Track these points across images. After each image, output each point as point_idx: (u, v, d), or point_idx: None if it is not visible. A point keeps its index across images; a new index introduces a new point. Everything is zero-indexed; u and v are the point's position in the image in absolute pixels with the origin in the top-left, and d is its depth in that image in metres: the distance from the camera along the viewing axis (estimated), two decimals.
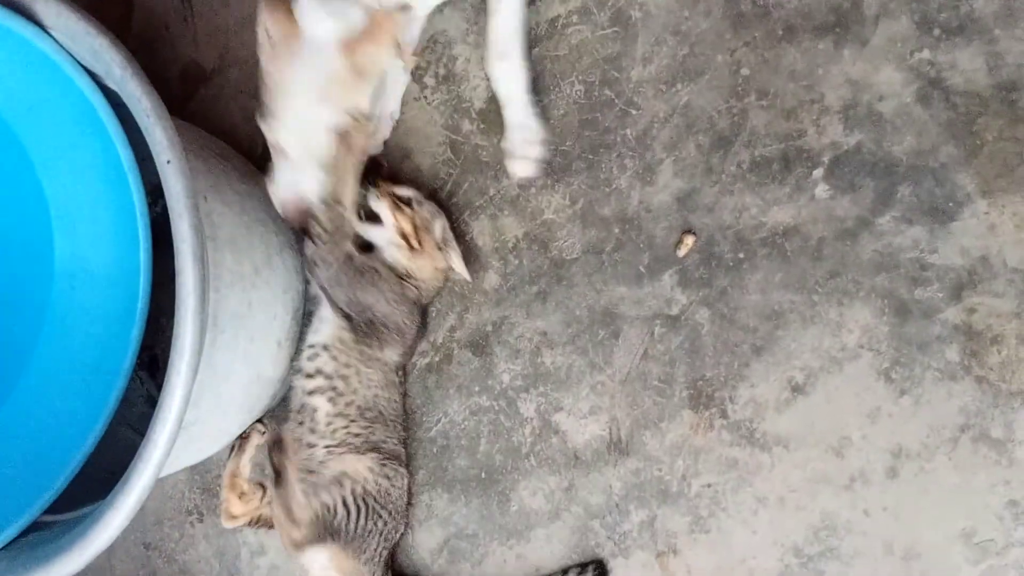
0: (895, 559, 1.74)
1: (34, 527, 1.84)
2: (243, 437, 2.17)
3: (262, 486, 2.16)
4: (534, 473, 2.06)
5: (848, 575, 1.78)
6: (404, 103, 2.10)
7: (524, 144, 1.99)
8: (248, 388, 2.02)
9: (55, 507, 1.83)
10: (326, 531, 1.94)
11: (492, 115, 1.97)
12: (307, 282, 2.04)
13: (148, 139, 1.64)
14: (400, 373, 2.10)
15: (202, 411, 1.83)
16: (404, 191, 1.99)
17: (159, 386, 1.62)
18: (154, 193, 1.72)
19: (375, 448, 2.01)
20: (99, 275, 1.99)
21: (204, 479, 2.48)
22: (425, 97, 2.12)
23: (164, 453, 1.62)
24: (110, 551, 2.65)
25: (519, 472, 2.08)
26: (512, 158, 2.01)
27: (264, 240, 2.01)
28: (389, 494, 2.02)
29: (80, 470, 1.81)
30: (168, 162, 1.61)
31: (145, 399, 2.23)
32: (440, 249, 1.96)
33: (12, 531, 1.79)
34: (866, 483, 1.76)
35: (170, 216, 1.62)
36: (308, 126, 1.73)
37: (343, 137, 1.73)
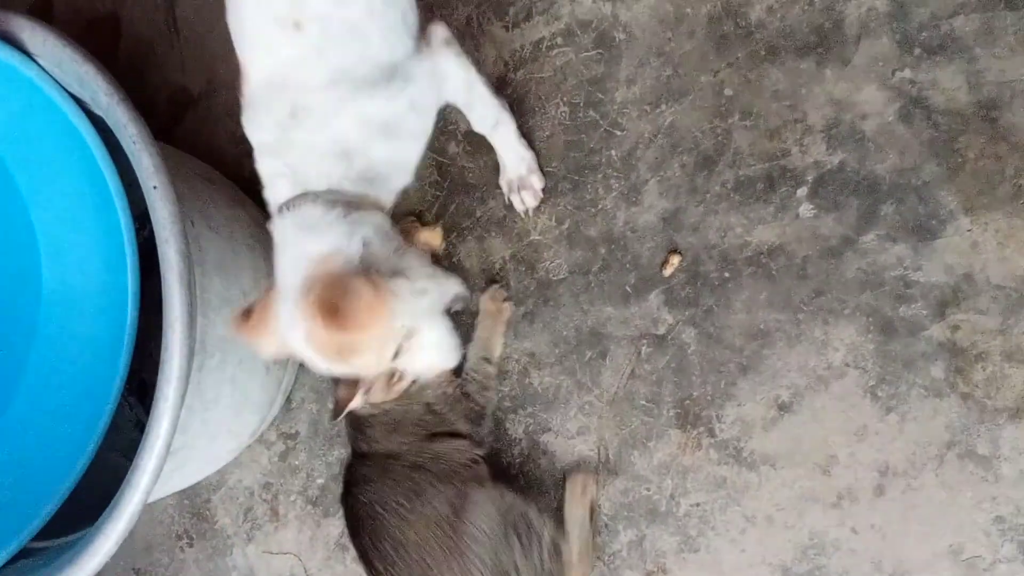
0: None
1: (24, 553, 1.84)
2: None
3: None
4: (522, 491, 2.06)
5: None
6: None
7: (524, 176, 2.00)
8: (236, 413, 2.02)
9: (45, 533, 1.83)
10: None
11: (478, 138, 1.97)
12: None
13: (134, 165, 1.65)
14: None
15: (190, 436, 1.83)
16: None
17: (148, 411, 1.62)
18: (141, 218, 1.72)
19: None
20: (87, 301, 1.99)
21: (194, 503, 2.48)
22: None
23: (152, 479, 1.62)
24: None
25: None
26: (513, 192, 2.02)
27: (252, 264, 2.01)
28: None
29: (70, 496, 1.80)
30: (155, 188, 1.62)
31: (134, 425, 2.23)
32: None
33: (2, 557, 1.79)
34: (853, 501, 1.76)
35: (157, 242, 1.62)
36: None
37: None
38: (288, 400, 2.32)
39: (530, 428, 2.03)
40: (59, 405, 1.96)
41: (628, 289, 1.94)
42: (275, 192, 1.58)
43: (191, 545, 2.48)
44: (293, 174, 1.55)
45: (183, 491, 2.48)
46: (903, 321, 1.73)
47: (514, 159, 1.98)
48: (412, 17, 1.61)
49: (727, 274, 1.86)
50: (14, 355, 2.01)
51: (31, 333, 2.01)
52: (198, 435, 1.89)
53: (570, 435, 1.99)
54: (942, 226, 1.71)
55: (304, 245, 1.50)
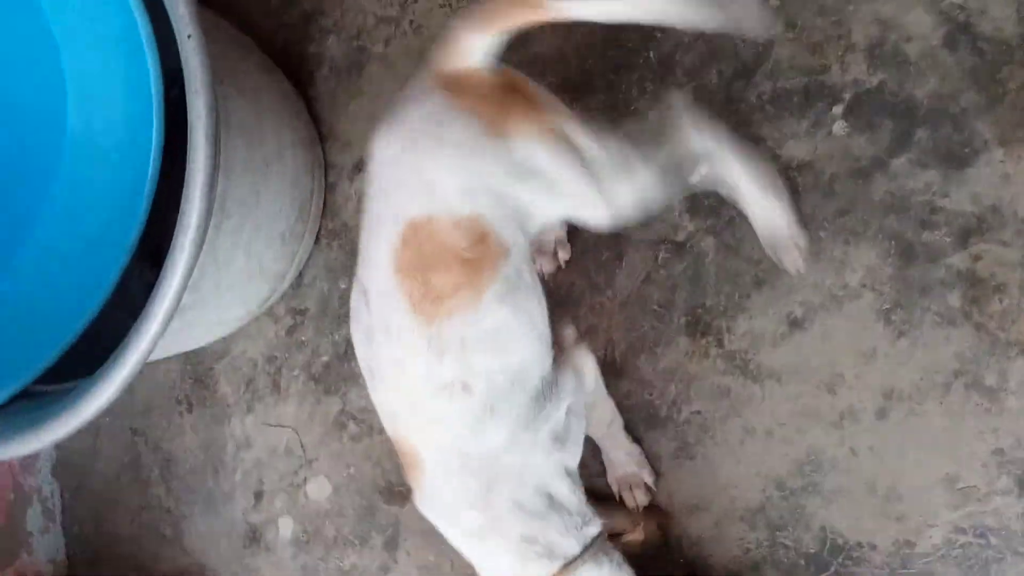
0: (877, 499, 1.74)
1: (26, 395, 1.85)
2: None
3: None
4: None
5: (828, 511, 1.79)
6: None
7: (636, 472, 1.95)
8: (248, 280, 2.03)
9: (49, 377, 1.83)
10: None
11: None
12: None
13: (170, 14, 1.63)
14: None
15: (201, 295, 1.83)
16: None
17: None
18: (170, 76, 1.71)
19: None
20: (110, 152, 1.98)
21: (197, 370, 2.49)
22: None
23: (160, 326, 1.62)
24: (96, 433, 2.67)
25: None
26: (624, 490, 1.96)
27: (277, 133, 2.01)
28: None
29: (74, 347, 1.81)
30: (189, 37, 1.60)
31: (145, 292, 2.24)
32: None
33: (3, 395, 1.80)
34: (855, 421, 1.76)
35: (186, 93, 1.61)
36: None
37: None
38: (300, 276, 2.32)
39: None
40: (73, 252, 1.96)
41: None
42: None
43: (190, 411, 2.50)
44: (539, 546, 1.54)
45: (187, 357, 2.49)
46: (924, 247, 1.71)
47: (623, 457, 1.94)
48: (549, 336, 1.58)
49: None
50: (32, 198, 2.01)
51: (50, 177, 2.01)
52: (209, 296, 1.90)
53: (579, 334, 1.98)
54: (975, 156, 1.69)
55: None
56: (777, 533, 1.83)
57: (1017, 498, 1.64)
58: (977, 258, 1.68)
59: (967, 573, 1.68)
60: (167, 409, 2.54)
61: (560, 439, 1.57)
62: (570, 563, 1.54)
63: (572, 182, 1.49)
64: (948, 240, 1.70)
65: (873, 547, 1.75)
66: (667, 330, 1.93)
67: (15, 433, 1.77)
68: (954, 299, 1.70)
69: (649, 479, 1.95)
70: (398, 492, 2.21)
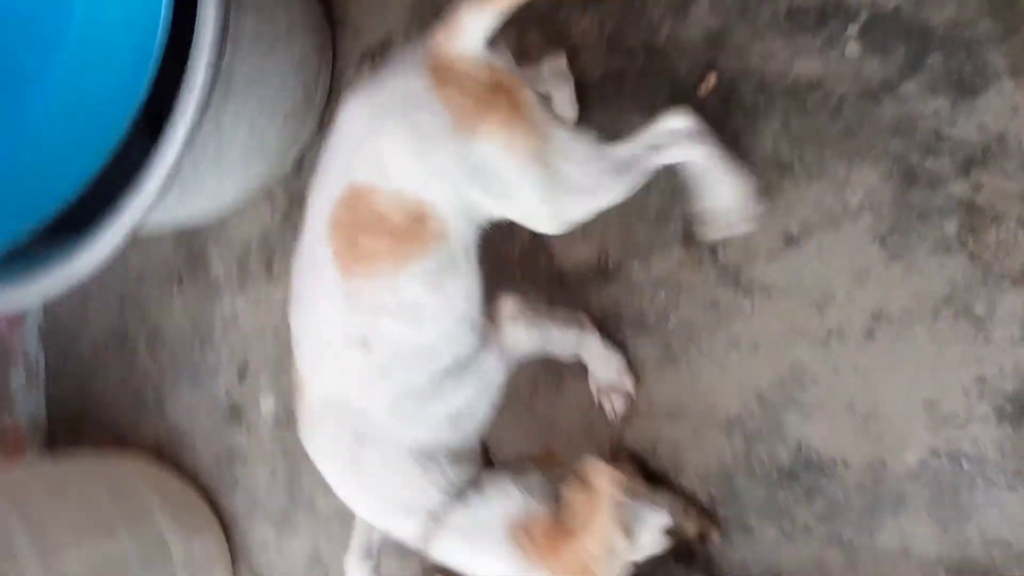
0: (855, 418, 1.76)
1: (21, 253, 1.85)
2: None
3: None
4: (518, 284, 2.08)
5: (806, 426, 1.81)
6: None
7: (614, 380, 1.97)
8: (248, 156, 2.02)
9: (45, 240, 1.84)
10: None
11: None
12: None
13: None
14: None
15: (200, 165, 1.83)
16: None
17: None
18: None
19: None
20: (119, 17, 1.96)
21: (191, 246, 2.50)
22: None
23: (159, 186, 1.62)
24: (86, 299, 2.69)
25: (505, 279, 2.10)
26: (603, 395, 2.00)
27: (287, 10, 1.99)
28: None
29: (76, 214, 1.80)
30: None
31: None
32: None
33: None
34: (842, 341, 1.78)
35: None
36: None
37: None
38: (300, 161, 2.31)
39: None
40: (79, 114, 1.96)
41: (659, 103, 1.92)
42: (395, 527, 1.62)
43: (181, 285, 2.52)
44: (400, 505, 1.59)
45: (182, 233, 2.50)
46: (927, 172, 1.71)
47: (601, 365, 1.96)
48: (479, 320, 1.62)
49: (761, 101, 1.84)
50: (41, 56, 1.99)
51: (60, 38, 1.99)
52: (208, 168, 1.90)
53: (574, 237, 1.98)
54: (985, 85, 1.68)
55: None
56: (753, 444, 1.85)
57: (995, 426, 1.65)
58: (978, 188, 1.68)
59: (937, 496, 1.69)
60: (159, 282, 2.55)
61: (456, 420, 1.60)
62: (437, 513, 1.56)
63: (527, 198, 1.52)
64: (950, 168, 1.70)
65: (847, 464, 1.77)
66: (662, 238, 1.93)
67: (6, 287, 1.77)
68: (951, 227, 1.70)
69: (629, 387, 1.97)
70: None
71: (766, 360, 1.84)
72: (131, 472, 2.43)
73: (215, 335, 2.50)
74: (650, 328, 1.94)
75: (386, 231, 1.45)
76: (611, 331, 1.97)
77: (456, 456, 1.61)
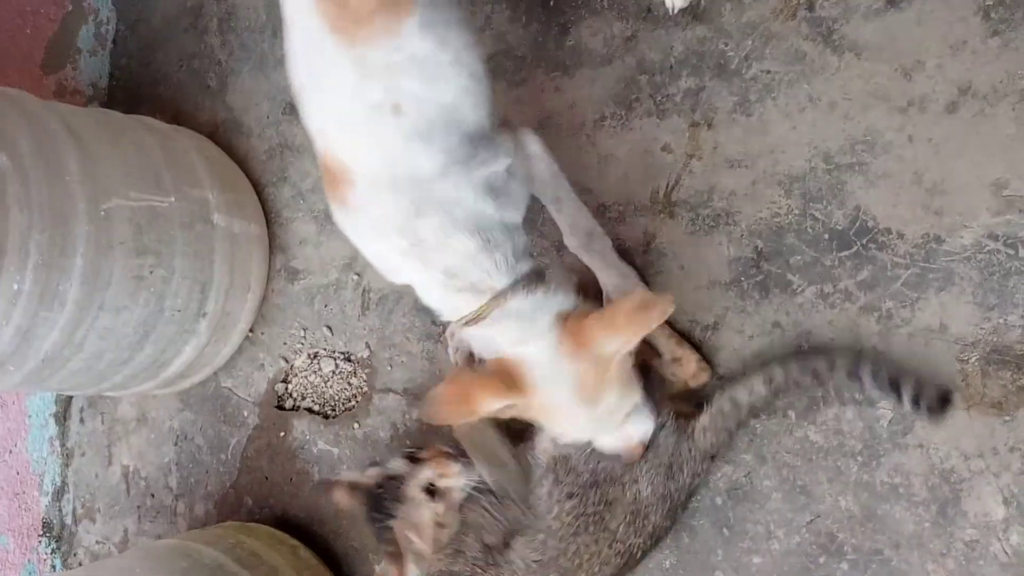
0: (920, 189, 1.75)
1: None
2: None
3: None
4: (602, 15, 2.06)
5: (867, 193, 1.79)
6: None
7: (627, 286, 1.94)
8: None
9: None
10: None
11: None
12: None
13: None
14: None
15: None
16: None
17: None
18: None
19: None
20: None
21: None
22: None
23: None
24: None
25: (588, 9, 2.07)
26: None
27: None
28: None
29: None
30: None
31: None
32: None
33: None
34: (922, 110, 1.75)
35: None
36: None
37: None
38: None
39: None
40: None
41: None
42: (454, 305, 1.61)
43: None
44: (462, 281, 1.57)
45: None
46: None
47: (615, 277, 1.92)
48: (483, 79, 1.57)
49: None
50: None
51: None
52: None
53: None
54: None
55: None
56: (810, 204, 1.84)
57: None
58: None
59: (986, 279, 1.69)
60: None
61: (496, 192, 1.57)
62: (497, 296, 1.57)
63: None
64: None
65: (901, 235, 1.76)
66: None
67: None
68: None
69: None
70: None
71: (841, 121, 1.82)
72: (186, 143, 2.44)
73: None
74: (729, 73, 1.92)
75: None
76: (689, 72, 1.94)
77: (514, 245, 1.61)
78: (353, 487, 1.90)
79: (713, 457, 1.84)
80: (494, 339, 1.62)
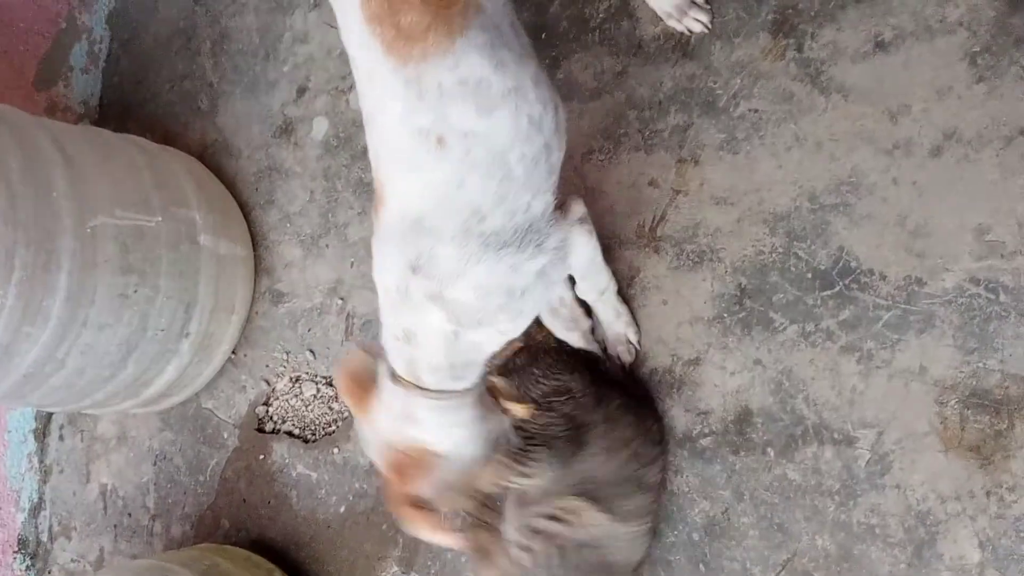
0: (903, 232, 1.76)
1: None
2: None
3: None
4: (593, 49, 2.07)
5: (851, 233, 1.80)
6: None
7: (621, 332, 2.00)
8: None
9: None
10: None
11: None
12: None
13: None
14: None
15: None
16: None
17: None
18: None
19: None
20: None
21: None
22: None
23: None
24: None
25: (579, 43, 2.08)
26: (611, 349, 2.02)
27: None
28: None
29: None
30: None
31: None
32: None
33: None
34: (908, 154, 1.76)
35: None
36: None
37: None
38: None
39: None
40: None
41: None
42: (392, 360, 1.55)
43: None
44: (411, 360, 1.52)
45: None
46: None
47: (612, 316, 1.97)
48: (555, 174, 1.53)
49: None
50: None
51: None
52: None
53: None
54: None
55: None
56: (795, 243, 1.85)
57: None
58: None
59: (967, 323, 1.70)
60: None
61: (514, 296, 1.52)
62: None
63: None
64: None
65: (884, 277, 1.77)
66: (751, 23, 1.91)
67: None
68: None
69: (634, 338, 2.00)
70: None
71: (827, 161, 1.83)
72: (175, 164, 2.45)
73: (282, 48, 2.48)
74: (718, 111, 1.93)
75: (417, 1, 1.36)
76: (678, 109, 1.96)
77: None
78: None
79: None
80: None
